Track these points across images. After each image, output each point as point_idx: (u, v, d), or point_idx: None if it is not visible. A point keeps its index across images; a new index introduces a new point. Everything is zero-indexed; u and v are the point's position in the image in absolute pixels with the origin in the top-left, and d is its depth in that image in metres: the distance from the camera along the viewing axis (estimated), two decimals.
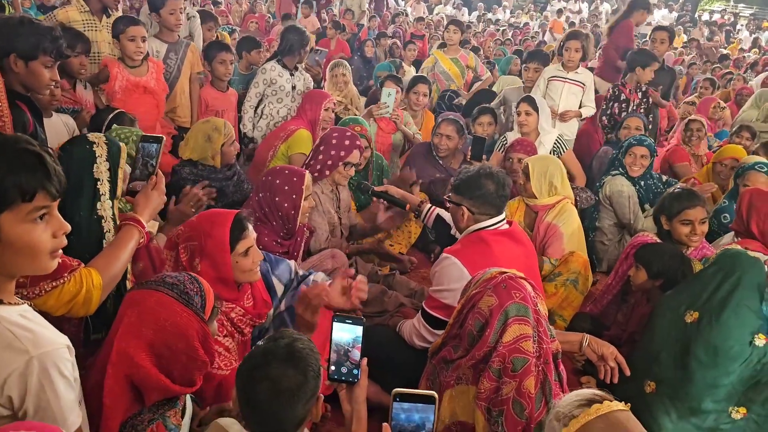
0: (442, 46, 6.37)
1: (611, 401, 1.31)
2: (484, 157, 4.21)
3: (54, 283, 1.63)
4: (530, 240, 2.76)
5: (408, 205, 3.32)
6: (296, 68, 4.52)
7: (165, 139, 2.06)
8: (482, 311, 1.90)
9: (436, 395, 1.23)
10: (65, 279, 1.65)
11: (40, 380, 1.23)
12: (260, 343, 1.53)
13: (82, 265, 1.73)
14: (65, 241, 1.31)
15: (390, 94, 4.47)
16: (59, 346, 1.28)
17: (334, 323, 1.55)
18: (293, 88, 4.47)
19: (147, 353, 1.58)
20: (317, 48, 4.82)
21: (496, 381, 1.86)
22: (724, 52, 12.25)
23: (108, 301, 1.82)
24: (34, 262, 1.28)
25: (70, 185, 2.11)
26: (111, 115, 3.25)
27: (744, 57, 12.15)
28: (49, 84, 2.43)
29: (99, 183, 2.11)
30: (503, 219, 2.53)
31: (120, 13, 3.91)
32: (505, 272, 1.94)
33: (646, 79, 5.02)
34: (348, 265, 3.19)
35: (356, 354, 1.55)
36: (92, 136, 2.14)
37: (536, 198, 3.37)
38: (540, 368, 1.88)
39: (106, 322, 1.76)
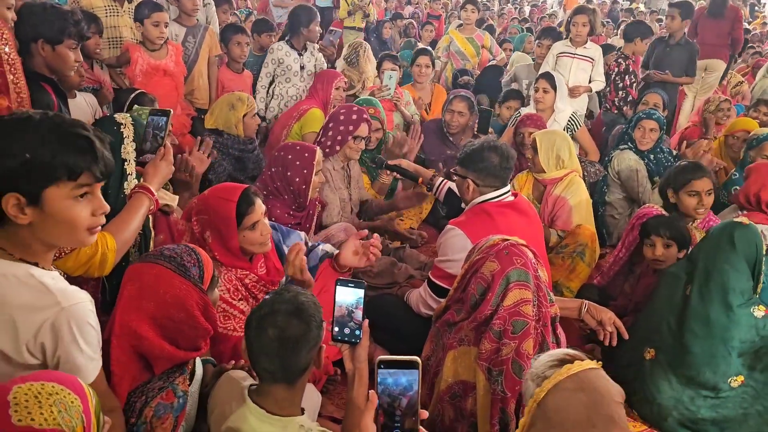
0: (460, 26, 6.38)
1: (582, 360, 1.35)
2: (491, 130, 4.26)
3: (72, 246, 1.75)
4: (536, 212, 2.83)
5: (420, 179, 3.40)
6: (305, 48, 4.59)
7: (173, 112, 2.16)
8: (485, 276, 1.98)
9: (419, 360, 1.30)
10: None
11: (70, 329, 1.35)
12: (267, 296, 1.62)
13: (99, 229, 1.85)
14: (103, 220, 1.44)
15: (391, 77, 4.54)
16: (85, 300, 1.41)
17: (337, 287, 1.62)
18: (302, 68, 4.54)
19: (149, 324, 1.67)
20: (332, 29, 4.87)
21: (497, 342, 1.94)
22: (748, 26, 11.98)
23: (122, 264, 1.93)
24: (72, 236, 1.41)
25: None
26: (132, 96, 3.36)
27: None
28: (74, 65, 2.55)
29: (126, 163, 2.19)
30: (508, 191, 2.59)
31: None
32: (507, 239, 2.02)
33: (643, 50, 5.05)
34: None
35: (358, 315, 1.62)
36: (119, 117, 2.23)
37: (544, 172, 3.42)
38: (539, 331, 1.96)
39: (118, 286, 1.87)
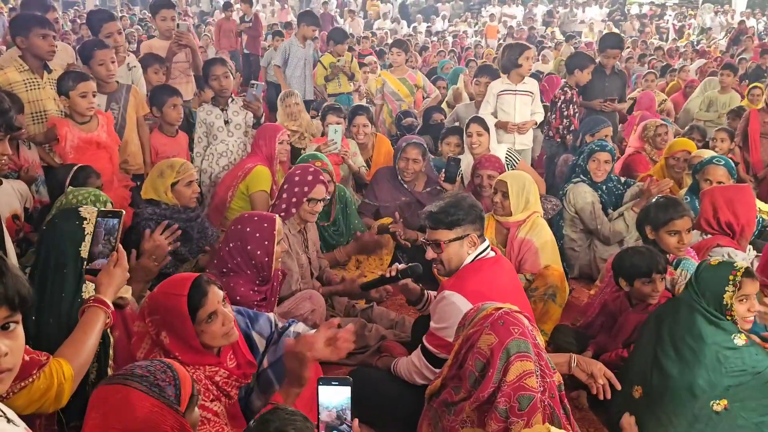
0: (390, 66, 6.39)
1: None
2: (458, 179, 4.21)
3: (22, 384, 1.53)
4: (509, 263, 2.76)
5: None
6: (229, 103, 4.42)
7: (124, 213, 1.96)
8: (482, 351, 1.86)
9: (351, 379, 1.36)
10: (34, 377, 1.55)
11: None
12: (251, 424, 1.45)
13: (51, 358, 1.63)
14: (0, 366, 1.19)
15: (336, 131, 4.44)
16: None
17: (320, 387, 1.50)
18: (227, 122, 4.35)
19: None
20: (254, 82, 4.70)
21: (504, 422, 1.82)
22: (657, 43, 12.71)
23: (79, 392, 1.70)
24: None
25: (54, 263, 2.03)
26: (72, 172, 3.13)
27: (676, 47, 12.62)
28: (0, 158, 2.31)
29: (85, 264, 1.97)
30: (488, 246, 2.51)
31: (61, 70, 3.75)
32: (501, 307, 1.91)
33: (584, 80, 5.18)
34: (325, 304, 3.13)
35: (347, 416, 1.50)
36: (84, 211, 2.04)
37: (510, 215, 3.37)
38: (546, 403, 1.85)
39: (80, 410, 1.65)
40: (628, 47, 12.12)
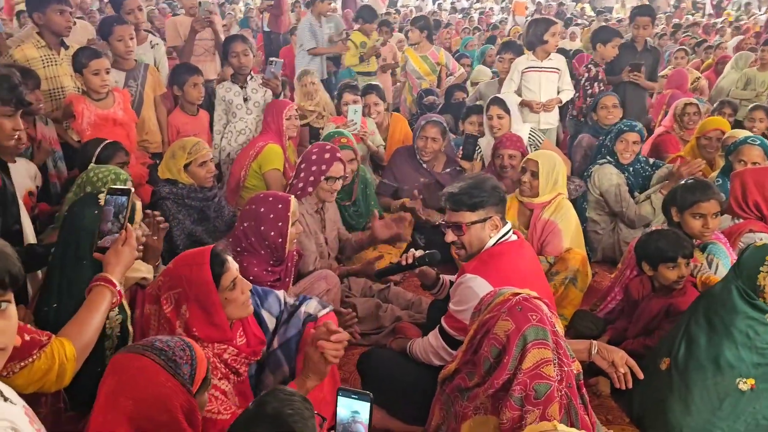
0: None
1: None
2: (476, 156, 4.11)
3: (22, 364, 1.52)
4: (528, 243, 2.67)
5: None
6: (248, 80, 4.38)
7: (133, 191, 1.93)
8: (498, 337, 1.79)
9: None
10: (34, 357, 1.54)
11: None
12: (250, 405, 1.42)
13: (53, 337, 1.61)
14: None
15: (356, 111, 4.37)
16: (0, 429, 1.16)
17: (339, 398, 1.47)
18: (246, 99, 4.31)
19: (127, 426, 1.44)
20: (272, 59, 4.64)
21: (519, 410, 1.75)
22: (692, 19, 12.29)
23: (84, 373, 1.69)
24: None
25: (74, 250, 2.03)
26: (100, 147, 3.11)
27: (713, 24, 12.19)
28: (12, 135, 2.30)
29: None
30: (510, 229, 2.42)
31: (77, 45, 3.74)
32: (519, 293, 1.84)
33: (610, 55, 5.00)
34: (340, 285, 3.09)
35: (361, 430, 1.48)
36: (103, 198, 2.01)
37: (537, 196, 3.27)
38: (563, 392, 1.78)
39: (83, 395, 1.64)
40: (662, 23, 11.73)
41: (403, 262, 2.68)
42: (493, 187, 2.38)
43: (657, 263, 2.66)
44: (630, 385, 2.10)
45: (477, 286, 2.24)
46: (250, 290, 2.08)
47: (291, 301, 2.42)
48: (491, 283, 2.20)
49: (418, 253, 2.68)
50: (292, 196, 2.78)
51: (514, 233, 2.43)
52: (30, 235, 2.58)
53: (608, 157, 3.90)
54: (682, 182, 3.01)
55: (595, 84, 4.95)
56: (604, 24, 5.91)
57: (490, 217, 2.36)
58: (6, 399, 1.26)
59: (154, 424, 1.46)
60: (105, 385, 1.48)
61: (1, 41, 4.19)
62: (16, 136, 2.35)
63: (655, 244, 2.67)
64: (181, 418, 1.47)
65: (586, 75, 5.00)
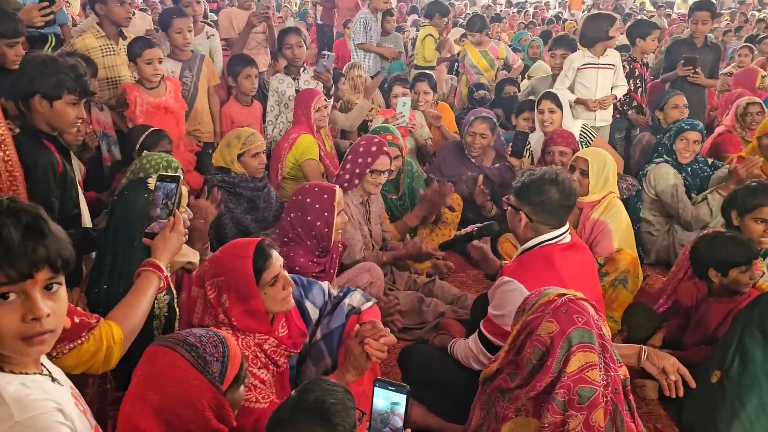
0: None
1: None
2: (526, 153, 4.03)
3: (71, 345, 1.56)
4: (587, 248, 2.57)
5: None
6: (300, 73, 4.40)
7: (182, 178, 1.96)
8: (542, 338, 1.74)
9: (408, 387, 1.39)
10: (83, 339, 1.58)
11: None
12: (293, 393, 1.42)
13: (101, 320, 1.64)
14: (46, 326, 1.17)
15: (405, 104, 4.32)
16: (48, 410, 1.18)
17: (376, 388, 1.45)
18: (297, 92, 4.33)
19: (154, 419, 1.45)
20: (325, 52, 4.66)
21: (562, 414, 1.70)
22: (759, 15, 11.73)
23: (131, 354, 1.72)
24: (2, 345, 1.16)
25: (124, 234, 2.08)
26: (145, 134, 3.22)
27: None
28: (75, 122, 2.39)
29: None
30: (566, 231, 2.34)
31: (134, 36, 3.85)
32: (564, 294, 1.78)
33: (650, 48, 4.84)
34: (384, 277, 3.08)
35: (397, 422, 1.44)
36: (152, 183, 2.05)
37: (587, 194, 3.19)
38: (609, 398, 1.72)
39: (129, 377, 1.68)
40: (726, 19, 11.25)
41: (463, 233, 2.72)
42: (544, 191, 2.28)
43: (728, 268, 2.55)
44: (681, 394, 2.02)
45: (513, 290, 2.21)
46: (295, 281, 2.10)
47: (335, 292, 2.43)
48: (527, 287, 2.14)
49: (477, 226, 2.71)
50: (338, 186, 2.79)
51: (569, 234, 2.36)
52: (86, 220, 2.66)
53: (665, 156, 3.76)
54: (745, 185, 2.89)
55: (631, 81, 4.77)
56: (639, 18, 5.68)
57: (519, 211, 2.33)
58: (54, 380, 1.29)
59: (181, 419, 1.46)
60: (136, 375, 1.49)
61: (68, 32, 4.35)
62: (79, 124, 2.43)
63: (724, 249, 2.56)
64: (208, 416, 1.47)
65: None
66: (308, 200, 2.70)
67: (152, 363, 1.49)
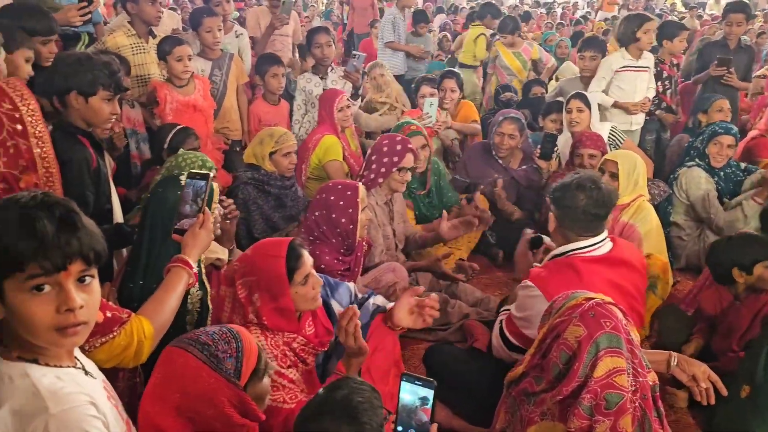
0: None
1: None
2: (554, 155, 3.98)
3: (103, 339, 1.58)
4: (638, 256, 2.51)
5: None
6: (328, 72, 4.41)
7: (212, 175, 1.97)
8: (569, 342, 1.72)
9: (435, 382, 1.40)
10: (115, 333, 1.59)
11: None
12: (320, 391, 1.43)
13: (133, 315, 1.66)
14: (80, 318, 1.19)
15: (432, 104, 4.30)
16: (81, 404, 1.19)
17: (402, 383, 1.44)
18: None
19: (174, 417, 1.45)
20: (355, 53, 4.66)
21: (588, 419, 1.68)
22: None
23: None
24: (35, 336, 1.18)
25: (159, 230, 2.10)
26: (173, 132, 3.27)
27: None
28: (110, 118, 2.43)
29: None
30: (601, 240, 2.30)
31: (163, 35, 3.90)
32: (593, 297, 1.76)
33: (678, 50, 4.72)
34: (408, 278, 3.07)
35: (423, 417, 1.43)
36: (183, 180, 2.06)
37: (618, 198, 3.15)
38: (637, 404, 1.69)
39: None
40: (761, 21, 10.99)
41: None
42: (569, 197, 2.26)
43: (752, 265, 2.50)
44: (712, 401, 1.97)
45: (533, 296, 2.21)
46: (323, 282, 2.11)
47: (360, 294, 2.44)
48: (547, 296, 2.12)
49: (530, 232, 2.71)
50: (360, 183, 2.80)
51: (610, 240, 2.33)
52: (119, 215, 2.70)
53: (697, 160, 3.69)
54: None
55: (659, 83, 4.67)
56: (666, 19, 5.54)
57: (551, 212, 2.34)
58: (87, 373, 1.31)
59: (203, 417, 1.46)
60: (154, 376, 1.49)
61: (100, 30, 4.43)
62: (113, 120, 2.47)
63: (744, 247, 2.54)
64: (230, 412, 1.46)
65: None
66: (332, 198, 2.71)
67: (168, 364, 1.49)
